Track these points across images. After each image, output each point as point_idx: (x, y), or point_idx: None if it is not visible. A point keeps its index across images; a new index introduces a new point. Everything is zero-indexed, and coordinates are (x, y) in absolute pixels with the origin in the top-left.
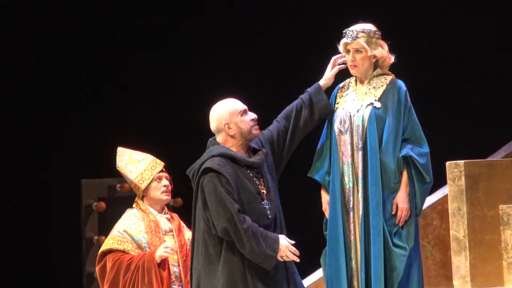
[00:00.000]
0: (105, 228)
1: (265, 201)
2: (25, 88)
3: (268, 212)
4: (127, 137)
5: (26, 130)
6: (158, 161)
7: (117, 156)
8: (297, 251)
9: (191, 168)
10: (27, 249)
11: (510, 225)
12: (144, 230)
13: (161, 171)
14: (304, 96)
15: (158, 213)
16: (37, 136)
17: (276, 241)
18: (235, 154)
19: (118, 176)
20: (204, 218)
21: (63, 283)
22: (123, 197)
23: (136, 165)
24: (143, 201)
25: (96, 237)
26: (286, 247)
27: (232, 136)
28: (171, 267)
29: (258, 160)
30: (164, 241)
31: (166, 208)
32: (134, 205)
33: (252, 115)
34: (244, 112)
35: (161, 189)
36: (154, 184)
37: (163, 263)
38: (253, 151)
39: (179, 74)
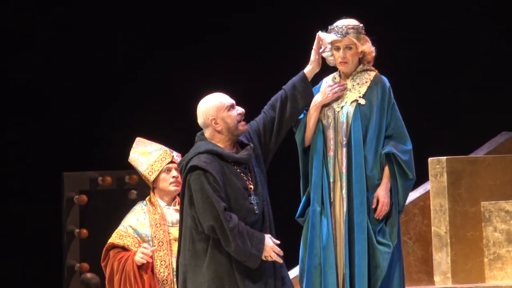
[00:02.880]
0: (87, 221)
1: (253, 196)
2: (10, 80)
3: (256, 207)
4: (115, 129)
5: (6, 122)
6: (169, 152)
7: (132, 148)
8: (281, 251)
9: (180, 162)
10: (7, 242)
11: (492, 221)
12: (148, 224)
13: (171, 162)
14: (288, 85)
15: (168, 204)
16: (18, 128)
17: (262, 241)
18: (222, 150)
19: (100, 169)
20: (190, 216)
21: (44, 276)
22: (105, 190)
23: (147, 156)
24: (154, 193)
25: (77, 230)
26: (270, 248)
27: (219, 132)
28: (174, 259)
29: (245, 155)
30: (169, 233)
31: (177, 199)
32: (147, 197)
33: (239, 110)
34: (231, 107)
35: (169, 180)
36: (163, 175)
37: (146, 264)
38: (241, 145)
39: (187, 68)
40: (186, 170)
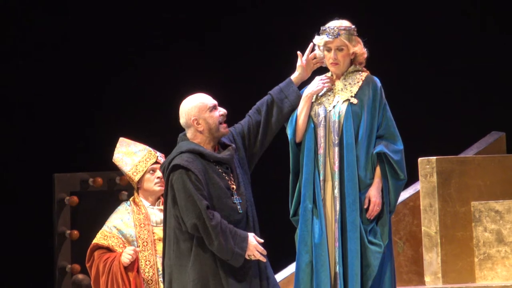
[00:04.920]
0: (78, 222)
1: (235, 196)
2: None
3: (239, 207)
4: (105, 130)
5: None
6: (153, 152)
7: (116, 148)
8: (264, 250)
9: (162, 163)
10: None
11: (482, 221)
12: (133, 224)
13: (155, 162)
14: (275, 90)
15: (152, 204)
16: (9, 129)
17: (245, 240)
18: (204, 150)
19: (91, 170)
20: (174, 215)
21: (35, 278)
22: (96, 191)
23: (132, 157)
24: (138, 193)
25: (68, 231)
26: (254, 247)
27: (200, 132)
28: (159, 259)
29: (227, 155)
30: (154, 233)
31: (161, 199)
32: (131, 198)
33: (221, 111)
34: (213, 108)
35: (154, 180)
36: (148, 176)
37: (132, 264)
38: (223, 146)
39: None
40: (168, 170)
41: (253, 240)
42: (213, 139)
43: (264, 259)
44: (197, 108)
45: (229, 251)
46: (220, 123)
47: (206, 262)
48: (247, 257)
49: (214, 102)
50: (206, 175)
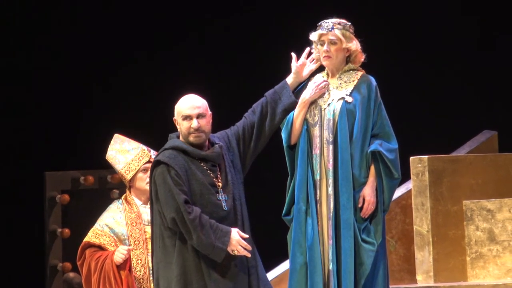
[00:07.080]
0: (69, 220)
1: (221, 193)
2: None
3: (224, 204)
4: (97, 128)
5: None
6: (147, 151)
7: (110, 145)
8: (248, 246)
9: None
10: None
11: (474, 220)
12: (125, 222)
13: (148, 161)
14: (270, 91)
15: (144, 203)
16: (0, 127)
17: (227, 234)
18: (187, 147)
19: (82, 168)
20: (156, 211)
21: (27, 276)
22: (87, 189)
23: (125, 155)
24: (130, 192)
25: (59, 230)
26: (237, 242)
27: (180, 133)
28: (150, 258)
29: (211, 153)
30: (145, 232)
31: None
32: (122, 196)
33: (194, 123)
34: (186, 117)
35: (146, 180)
36: (140, 175)
37: (125, 263)
38: (213, 145)
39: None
40: (152, 166)
41: (236, 235)
42: (188, 141)
43: (248, 255)
44: (176, 111)
45: (209, 245)
46: (190, 133)
47: (188, 257)
48: (230, 252)
49: (191, 112)
50: (188, 171)
